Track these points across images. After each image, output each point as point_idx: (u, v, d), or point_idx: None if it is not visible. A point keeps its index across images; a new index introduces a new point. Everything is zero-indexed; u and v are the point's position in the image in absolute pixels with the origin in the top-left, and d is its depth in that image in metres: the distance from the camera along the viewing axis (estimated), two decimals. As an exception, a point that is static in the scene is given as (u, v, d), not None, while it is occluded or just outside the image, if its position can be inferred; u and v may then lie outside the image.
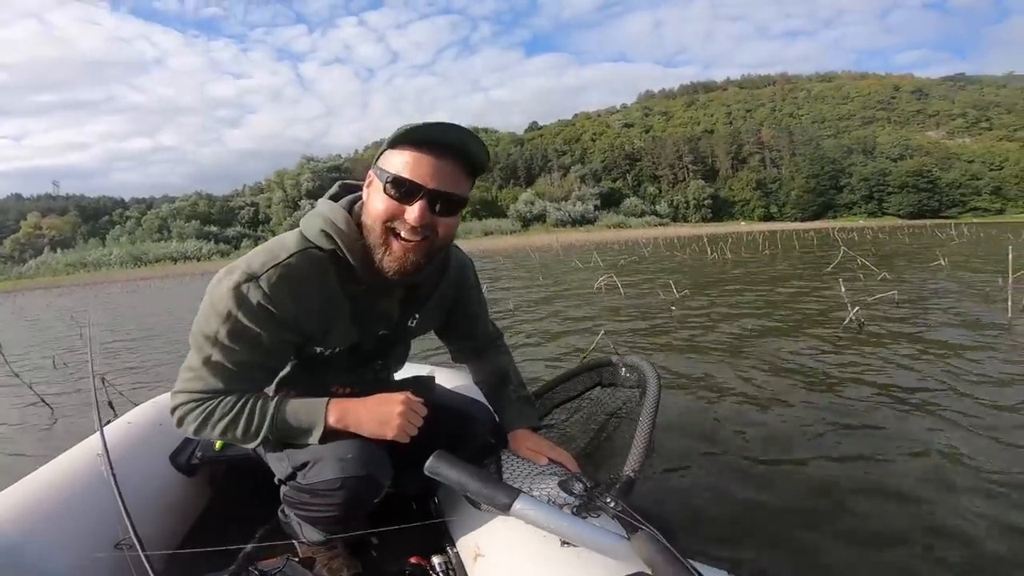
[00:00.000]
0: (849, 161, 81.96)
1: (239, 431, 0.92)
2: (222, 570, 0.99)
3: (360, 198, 0.98)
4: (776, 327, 4.23)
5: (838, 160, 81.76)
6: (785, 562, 1.35)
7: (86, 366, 4.55)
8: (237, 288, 0.87)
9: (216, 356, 0.90)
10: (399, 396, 0.96)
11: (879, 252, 12.68)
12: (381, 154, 0.92)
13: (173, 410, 0.95)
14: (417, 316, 1.11)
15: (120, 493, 0.98)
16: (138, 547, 0.88)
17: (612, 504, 0.74)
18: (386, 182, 0.88)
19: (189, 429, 0.94)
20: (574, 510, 0.80)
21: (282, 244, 0.92)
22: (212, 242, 68.83)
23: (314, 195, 77.46)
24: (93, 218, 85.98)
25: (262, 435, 0.93)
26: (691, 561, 0.70)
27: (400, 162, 0.87)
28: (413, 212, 0.88)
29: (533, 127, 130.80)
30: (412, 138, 0.87)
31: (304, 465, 0.95)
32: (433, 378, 1.27)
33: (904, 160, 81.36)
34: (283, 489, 1.02)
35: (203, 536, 1.34)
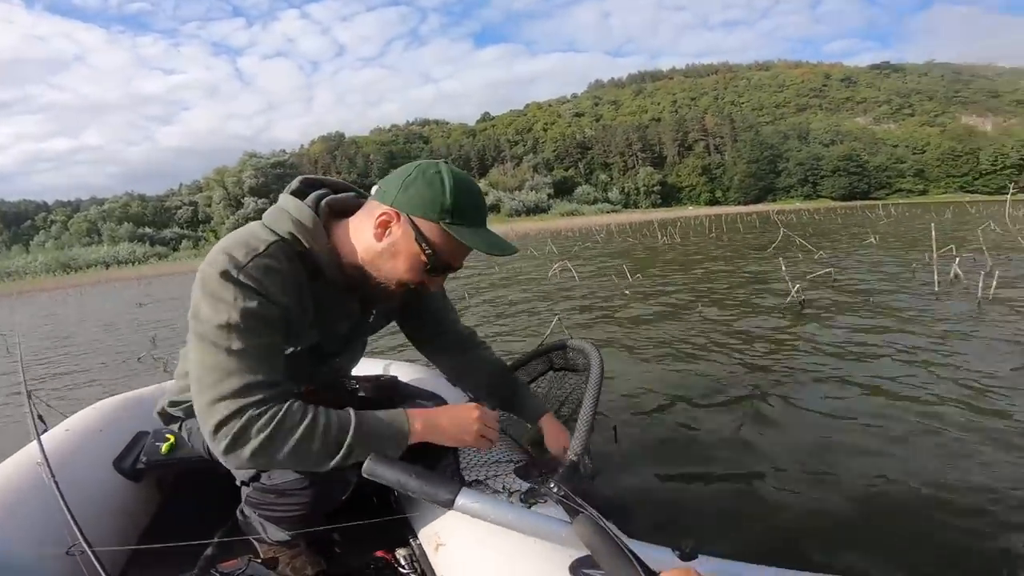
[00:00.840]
0: (786, 147, 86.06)
1: (316, 443, 0.82)
2: (181, 574, 0.97)
3: (325, 195, 0.96)
4: (724, 307, 4.41)
5: (776, 146, 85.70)
6: (731, 536, 1.40)
7: (11, 377, 4.25)
8: (228, 274, 0.82)
9: (238, 343, 0.80)
10: (471, 405, 0.98)
11: (815, 232, 13.40)
12: (418, 200, 0.86)
13: (219, 426, 0.79)
14: (374, 311, 1.10)
15: (64, 499, 0.95)
16: (88, 551, 0.83)
17: (555, 489, 0.75)
18: (427, 255, 0.88)
19: (248, 449, 0.78)
20: (521, 497, 0.80)
21: (254, 236, 0.87)
22: (147, 244, 65.05)
23: (258, 192, 74.81)
24: (14, 223, 79.76)
25: (344, 447, 0.83)
26: (631, 540, 0.71)
27: (448, 246, 0.88)
28: (438, 283, 0.95)
29: (485, 118, 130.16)
30: (469, 233, 0.87)
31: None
32: (395, 377, 1.26)
33: (835, 145, 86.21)
34: (245, 490, 1.00)
35: (155, 541, 1.29)
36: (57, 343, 6.74)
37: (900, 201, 57.95)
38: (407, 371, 1.80)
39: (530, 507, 0.80)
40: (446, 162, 0.90)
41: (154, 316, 8.83)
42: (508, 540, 0.81)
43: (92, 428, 1.42)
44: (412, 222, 0.86)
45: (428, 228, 0.86)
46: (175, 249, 66.68)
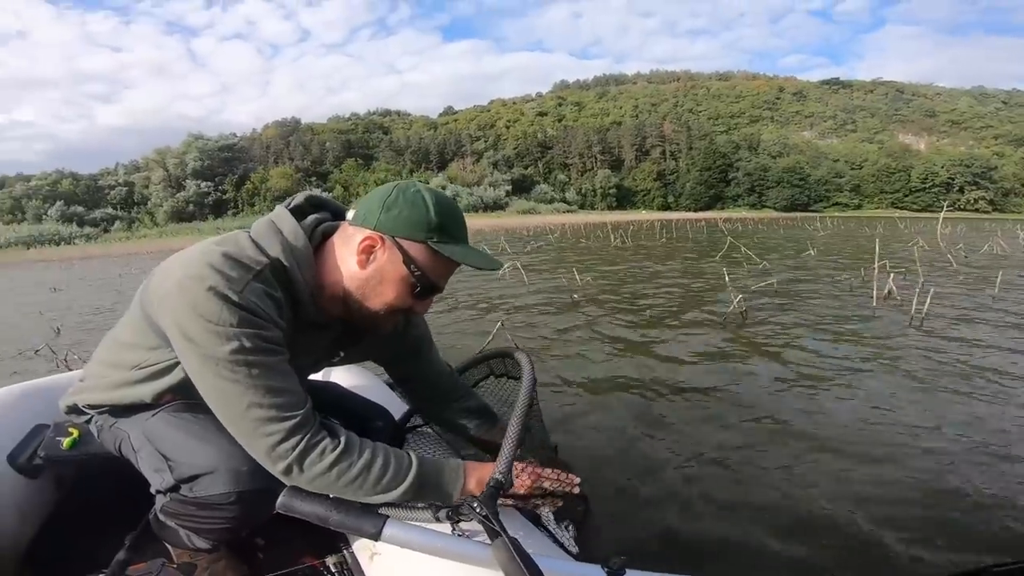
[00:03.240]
0: (737, 156, 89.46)
1: (372, 475, 0.82)
2: None
3: (322, 221, 0.92)
4: (671, 313, 4.52)
5: (728, 155, 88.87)
6: (671, 551, 1.40)
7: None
8: (225, 296, 0.76)
9: (256, 369, 0.77)
10: (519, 466, 0.98)
11: (759, 242, 14.01)
12: (403, 220, 0.83)
13: (272, 451, 0.78)
14: (342, 354, 1.06)
15: None
16: None
17: (478, 509, 0.76)
18: (416, 276, 0.85)
19: (313, 471, 0.79)
20: (448, 514, 0.80)
21: (245, 253, 0.82)
22: (75, 225, 60.74)
23: (202, 175, 71.48)
24: (-73, 198, 72.54)
25: (404, 486, 0.83)
26: (561, 558, 0.77)
27: (437, 265, 0.86)
28: (424, 306, 0.93)
29: (448, 111, 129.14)
30: (458, 251, 0.86)
31: (191, 478, 0.89)
32: (337, 384, 1.19)
33: (782, 157, 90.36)
34: (162, 499, 0.96)
35: (53, 541, 1.22)
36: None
37: (836, 214, 61.16)
38: (348, 377, 1.75)
39: (457, 522, 0.80)
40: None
41: (67, 303, 8.15)
42: None
43: None
44: (398, 244, 0.84)
45: (415, 249, 0.84)
46: (106, 231, 62.66)
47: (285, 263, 0.83)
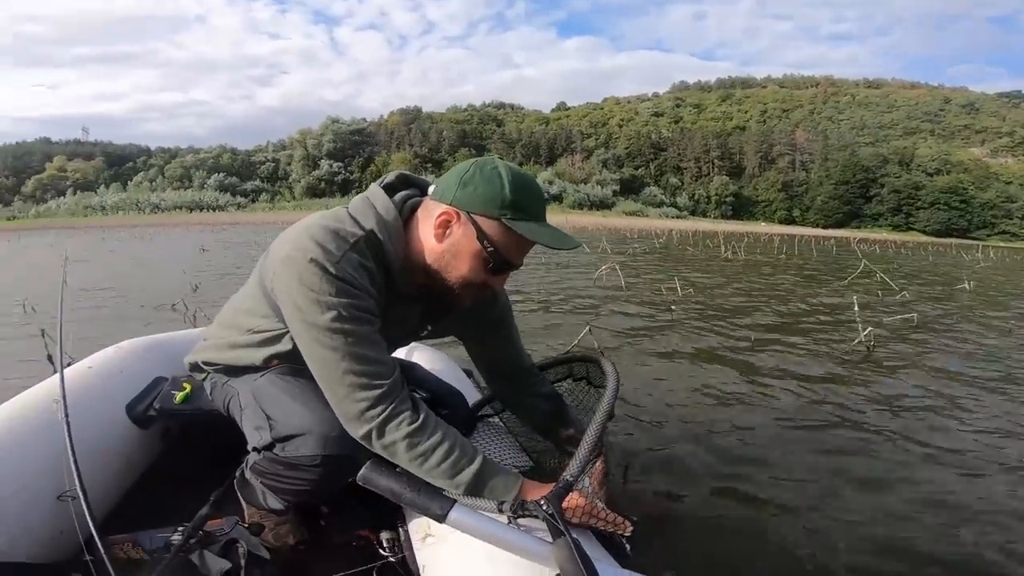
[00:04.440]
0: (883, 171, 79.15)
1: (436, 457, 0.85)
2: (166, 527, 0.97)
3: (411, 197, 0.96)
4: (779, 343, 4.03)
5: (871, 169, 79.02)
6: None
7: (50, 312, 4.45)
8: (323, 267, 0.82)
9: (352, 338, 0.83)
10: (575, 494, 0.97)
11: (900, 268, 12.33)
12: (478, 196, 0.85)
13: (360, 416, 0.84)
14: (429, 328, 1.10)
15: (72, 444, 0.94)
16: (83, 502, 0.85)
17: (544, 507, 0.77)
18: (489, 252, 0.87)
19: (388, 439, 0.85)
20: (512, 507, 0.81)
21: (343, 227, 0.87)
22: (229, 194, 69.86)
23: (334, 156, 78.66)
24: (118, 164, 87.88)
25: (459, 478, 0.85)
26: (617, 568, 0.77)
27: (509, 242, 0.87)
28: (500, 282, 0.95)
29: (560, 107, 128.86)
30: (531, 228, 0.86)
31: (287, 438, 0.94)
32: (416, 364, 1.23)
33: (940, 175, 78.63)
34: (255, 457, 1.01)
35: (149, 491, 1.32)
36: (108, 278, 7.19)
37: (1001, 244, 52.32)
38: (429, 358, 1.80)
39: (519, 518, 0.81)
40: (501, 158, 0.93)
41: (211, 263, 9.29)
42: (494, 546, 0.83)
43: (113, 369, 1.43)
44: (472, 220, 0.86)
45: (488, 225, 0.86)
46: (253, 201, 71.38)
47: (379, 236, 0.88)
